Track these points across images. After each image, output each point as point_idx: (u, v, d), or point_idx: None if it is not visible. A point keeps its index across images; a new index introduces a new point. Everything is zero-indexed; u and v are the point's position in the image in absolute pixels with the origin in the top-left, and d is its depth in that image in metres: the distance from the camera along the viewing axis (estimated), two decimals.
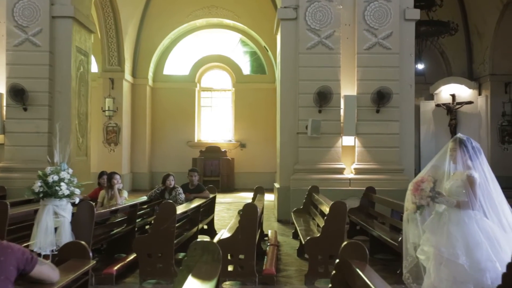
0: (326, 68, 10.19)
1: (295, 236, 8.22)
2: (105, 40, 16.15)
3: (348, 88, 10.33)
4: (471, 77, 17.04)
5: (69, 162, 10.04)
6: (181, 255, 6.69)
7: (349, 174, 10.29)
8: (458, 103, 16.72)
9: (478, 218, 3.92)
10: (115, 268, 5.32)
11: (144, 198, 8.00)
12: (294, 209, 8.55)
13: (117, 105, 16.36)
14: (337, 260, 2.79)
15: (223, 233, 7.13)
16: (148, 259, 5.24)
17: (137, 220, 7.42)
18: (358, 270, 2.56)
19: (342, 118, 10.27)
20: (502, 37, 15.75)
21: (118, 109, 16.39)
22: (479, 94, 16.75)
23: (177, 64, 18.89)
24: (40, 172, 4.86)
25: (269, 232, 8.15)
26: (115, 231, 6.44)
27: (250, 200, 9.85)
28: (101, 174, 7.60)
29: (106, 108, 16.16)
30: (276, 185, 11.08)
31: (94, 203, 7.09)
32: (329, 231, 5.16)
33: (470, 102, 16.66)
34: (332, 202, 5.44)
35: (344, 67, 10.29)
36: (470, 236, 3.85)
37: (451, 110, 16.78)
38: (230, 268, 5.19)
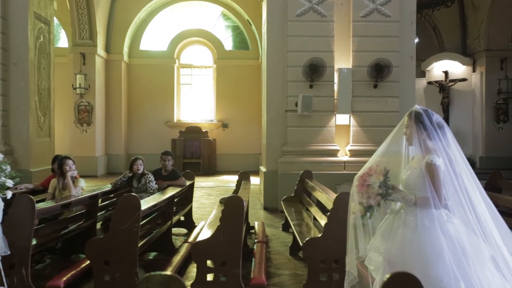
0: (318, 38, 9.29)
1: (285, 227, 7.24)
2: (75, 11, 14.93)
3: (342, 60, 9.46)
4: (465, 53, 16.28)
5: (28, 144, 8.77)
6: (151, 255, 5.65)
7: (343, 156, 9.39)
8: (451, 81, 16.03)
9: (444, 221, 2.86)
10: (63, 279, 4.20)
11: (108, 186, 6.85)
12: (284, 197, 7.53)
13: (89, 82, 15.39)
14: None
15: (203, 226, 6.10)
16: (105, 267, 4.14)
17: (101, 213, 6.33)
18: None
19: (335, 94, 9.42)
20: (499, 10, 14.97)
21: (91, 86, 15.44)
22: (474, 70, 16.04)
23: (155, 39, 17.80)
24: None
25: (256, 224, 7.13)
26: (69, 228, 5.32)
27: (233, 184, 8.88)
28: (55, 158, 6.39)
29: (77, 86, 15.23)
30: (262, 168, 10.08)
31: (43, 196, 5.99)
32: (333, 230, 4.11)
33: (464, 79, 15.96)
34: (336, 195, 4.38)
35: (338, 37, 9.39)
36: (430, 245, 2.82)
37: (444, 87, 16.11)
38: (209, 277, 4.13)
